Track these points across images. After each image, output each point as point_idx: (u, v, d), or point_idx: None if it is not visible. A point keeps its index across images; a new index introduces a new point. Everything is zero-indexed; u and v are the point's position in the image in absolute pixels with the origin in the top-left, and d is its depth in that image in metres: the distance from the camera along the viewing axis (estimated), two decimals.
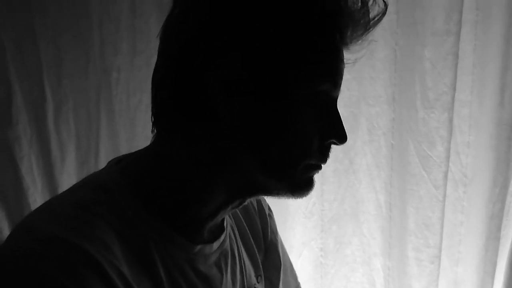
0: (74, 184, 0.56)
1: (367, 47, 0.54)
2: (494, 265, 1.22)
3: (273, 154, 0.53)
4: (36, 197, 1.08)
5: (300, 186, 0.56)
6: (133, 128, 1.17)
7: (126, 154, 0.60)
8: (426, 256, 1.25)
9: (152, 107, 0.55)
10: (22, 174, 1.06)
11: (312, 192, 0.57)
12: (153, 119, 0.55)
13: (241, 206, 0.59)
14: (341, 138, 0.55)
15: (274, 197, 0.57)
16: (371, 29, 0.53)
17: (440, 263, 1.25)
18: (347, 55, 0.55)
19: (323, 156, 0.55)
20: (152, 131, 0.56)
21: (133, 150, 0.60)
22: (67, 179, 1.11)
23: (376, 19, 0.53)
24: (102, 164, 0.60)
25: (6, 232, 1.03)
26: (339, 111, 0.56)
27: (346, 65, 0.55)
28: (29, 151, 1.07)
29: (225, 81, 0.50)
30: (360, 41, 0.54)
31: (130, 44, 1.13)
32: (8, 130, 1.04)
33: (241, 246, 0.68)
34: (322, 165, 0.56)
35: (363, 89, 1.23)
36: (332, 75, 0.53)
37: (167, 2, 0.55)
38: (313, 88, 0.52)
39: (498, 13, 1.11)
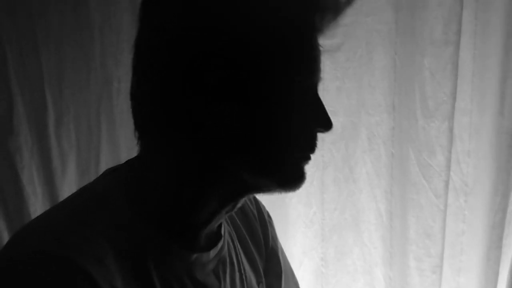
0: (71, 194, 0.56)
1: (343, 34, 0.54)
2: (496, 274, 1.21)
3: (267, 154, 0.53)
4: (37, 207, 1.08)
5: (293, 179, 0.56)
6: (133, 138, 1.16)
7: (120, 164, 0.60)
8: (428, 265, 1.24)
9: (135, 122, 0.55)
10: (23, 184, 1.07)
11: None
12: (137, 134, 0.55)
13: (235, 210, 0.59)
14: (327, 125, 0.55)
15: (266, 193, 0.57)
16: (341, 13, 0.53)
17: (442, 272, 1.24)
18: (324, 41, 0.55)
19: (312, 146, 0.56)
20: (137, 144, 0.56)
21: None
22: (68, 189, 1.11)
23: (346, 1, 0.53)
24: None
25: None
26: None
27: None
28: (30, 161, 1.07)
29: (222, 80, 0.50)
30: (332, 26, 0.54)
31: (131, 54, 1.13)
32: (9, 140, 1.04)
33: (241, 252, 0.68)
34: (311, 155, 0.57)
35: (362, 98, 1.23)
36: (311, 63, 0.54)
37: None
38: (301, 81, 0.53)
39: (497, 23, 1.12)
